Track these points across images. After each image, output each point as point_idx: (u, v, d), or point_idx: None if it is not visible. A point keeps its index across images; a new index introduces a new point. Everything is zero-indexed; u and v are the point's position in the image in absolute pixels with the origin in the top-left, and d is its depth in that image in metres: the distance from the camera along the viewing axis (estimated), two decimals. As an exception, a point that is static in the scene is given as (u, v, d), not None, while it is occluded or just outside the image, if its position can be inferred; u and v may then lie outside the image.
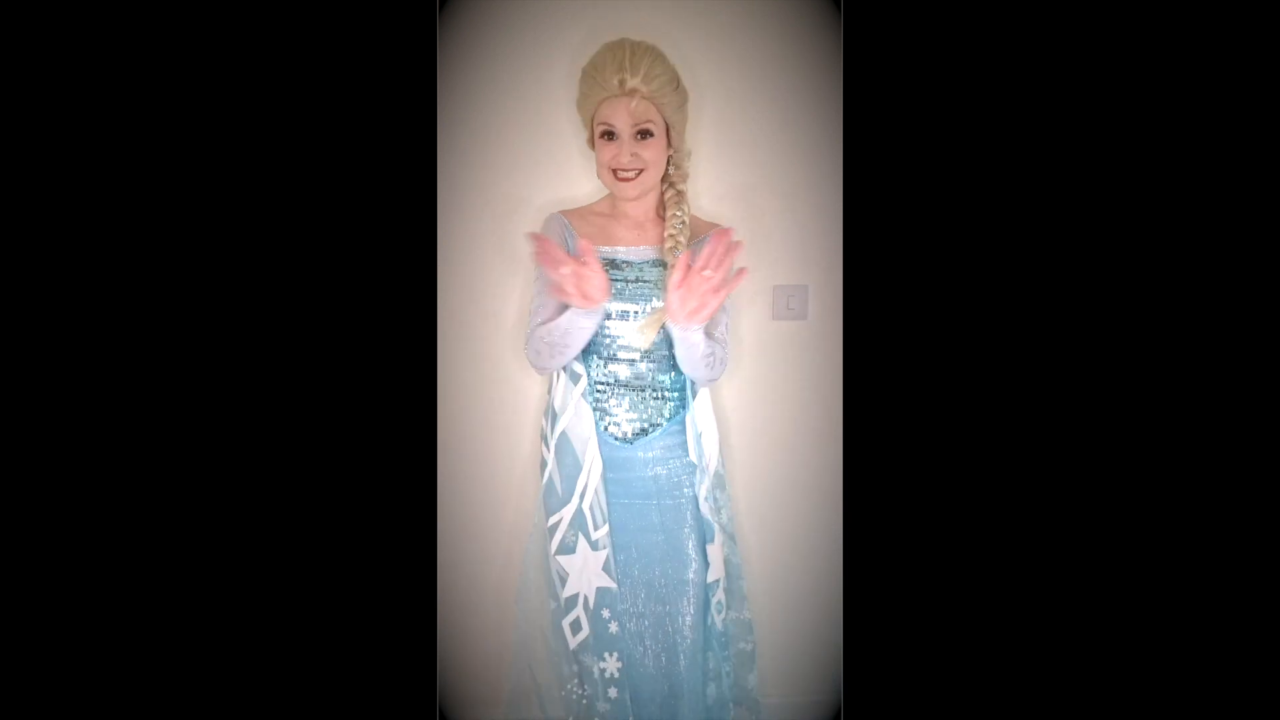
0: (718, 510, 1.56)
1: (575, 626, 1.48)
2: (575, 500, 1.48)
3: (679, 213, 1.50)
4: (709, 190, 1.74)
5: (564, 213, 1.54)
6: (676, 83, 1.45)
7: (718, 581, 1.54)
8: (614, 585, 1.48)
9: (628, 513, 1.51)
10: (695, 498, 1.53)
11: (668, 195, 1.53)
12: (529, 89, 1.70)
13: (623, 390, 1.50)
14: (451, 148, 1.69)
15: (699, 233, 1.52)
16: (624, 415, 1.50)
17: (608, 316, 1.47)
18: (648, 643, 1.51)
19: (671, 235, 1.47)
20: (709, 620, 1.55)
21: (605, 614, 1.48)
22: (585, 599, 1.48)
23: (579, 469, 1.48)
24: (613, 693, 1.47)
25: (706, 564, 1.53)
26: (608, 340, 1.49)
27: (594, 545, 1.47)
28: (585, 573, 1.48)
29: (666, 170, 1.52)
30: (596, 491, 1.47)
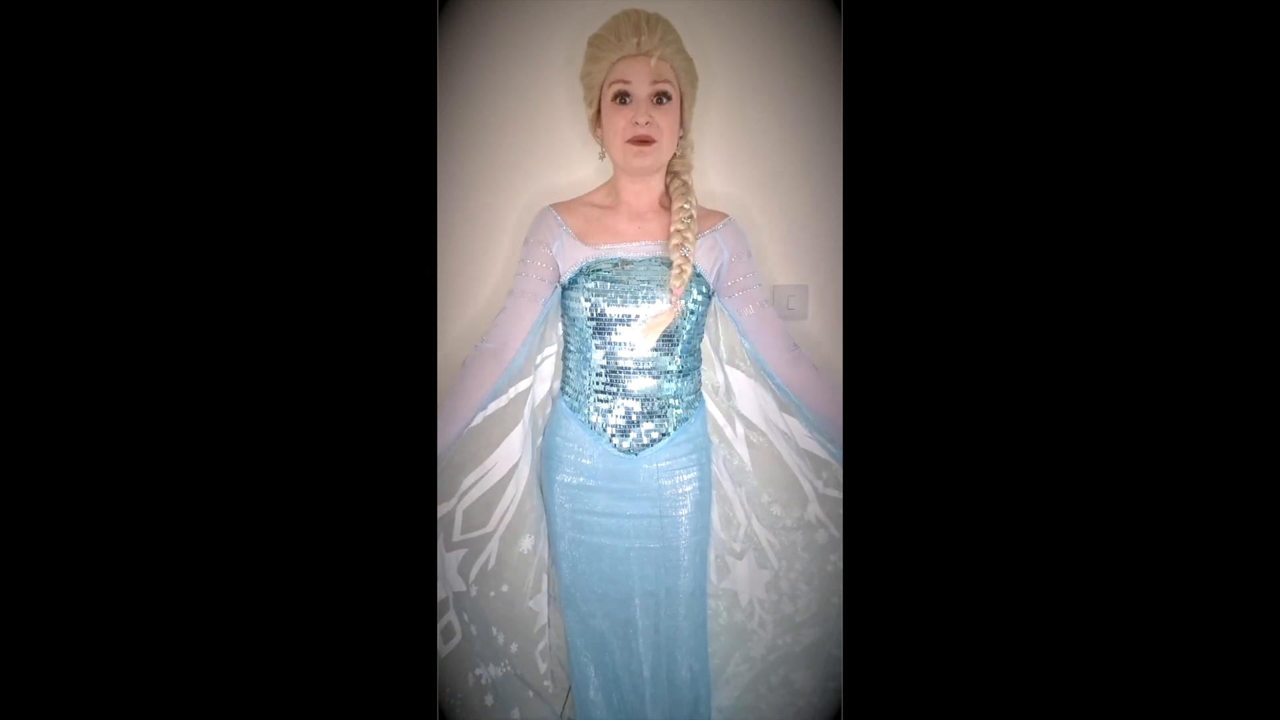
0: (736, 529, 1.54)
1: (449, 633, 1.46)
2: (454, 500, 1.44)
3: (686, 205, 1.43)
4: (709, 190, 1.74)
5: (555, 207, 1.49)
6: (688, 55, 1.42)
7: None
8: (464, 588, 1.44)
9: (630, 524, 1.47)
10: (706, 507, 1.51)
11: (673, 187, 1.47)
12: (529, 88, 1.69)
13: (626, 399, 1.45)
14: (451, 146, 1.69)
15: (704, 224, 1.47)
16: (624, 425, 1.45)
17: (609, 319, 1.42)
18: (643, 652, 1.48)
19: (679, 230, 1.41)
20: (705, 609, 1.53)
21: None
22: (450, 600, 1.46)
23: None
24: (489, 700, 1.46)
25: (705, 570, 1.52)
26: (609, 344, 1.44)
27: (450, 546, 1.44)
28: (442, 575, 1.44)
29: (673, 156, 1.46)
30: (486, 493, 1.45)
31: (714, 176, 1.74)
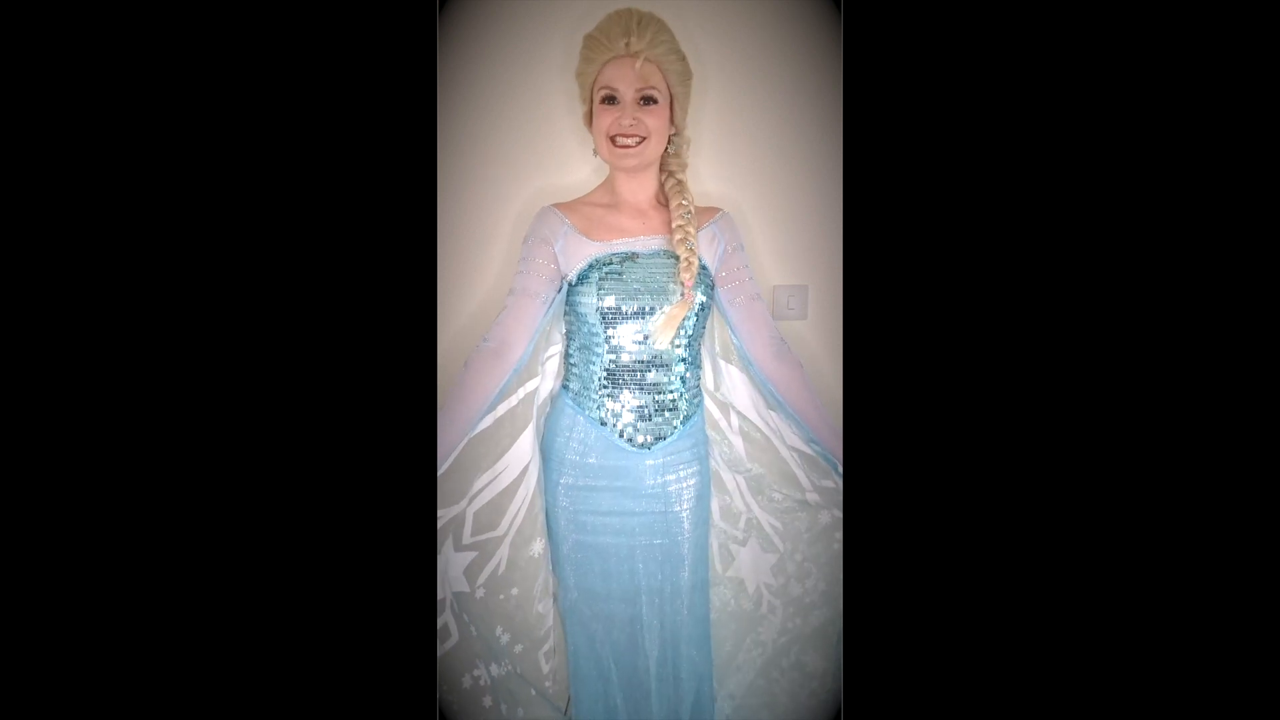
0: (737, 518, 1.54)
1: (444, 634, 1.43)
2: (464, 502, 1.42)
3: (684, 201, 1.45)
4: (707, 191, 1.74)
5: (558, 206, 1.49)
6: (681, 54, 1.42)
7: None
8: (467, 589, 1.43)
9: (635, 521, 1.47)
10: (706, 500, 1.52)
11: (668, 185, 1.48)
12: (528, 88, 1.69)
13: (635, 395, 1.45)
14: (451, 146, 1.69)
15: (701, 219, 1.49)
16: (635, 420, 1.46)
17: (619, 315, 1.42)
18: (649, 648, 1.48)
19: (680, 225, 1.43)
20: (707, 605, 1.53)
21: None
22: (450, 602, 1.43)
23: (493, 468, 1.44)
24: (486, 701, 1.44)
25: (707, 563, 1.53)
26: (618, 340, 1.44)
27: (460, 547, 1.42)
28: (445, 574, 1.42)
29: (666, 154, 1.48)
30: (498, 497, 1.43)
31: (713, 176, 1.74)
